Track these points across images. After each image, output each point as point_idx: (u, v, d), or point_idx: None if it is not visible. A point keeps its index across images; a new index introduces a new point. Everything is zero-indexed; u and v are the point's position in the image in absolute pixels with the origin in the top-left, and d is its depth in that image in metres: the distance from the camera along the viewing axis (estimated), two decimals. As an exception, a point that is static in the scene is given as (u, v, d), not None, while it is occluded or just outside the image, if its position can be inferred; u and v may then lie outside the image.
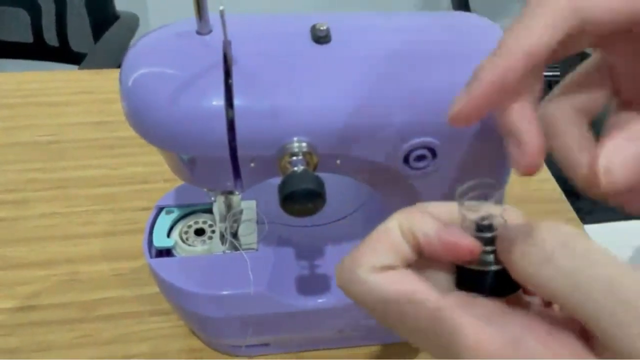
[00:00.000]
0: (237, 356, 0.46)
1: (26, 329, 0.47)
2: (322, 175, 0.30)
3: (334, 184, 0.45)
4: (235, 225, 0.43)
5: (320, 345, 0.47)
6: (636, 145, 0.19)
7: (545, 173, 0.64)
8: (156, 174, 0.60)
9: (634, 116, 0.24)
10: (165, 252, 0.42)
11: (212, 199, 0.41)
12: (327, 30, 0.31)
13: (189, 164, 0.32)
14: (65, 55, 1.21)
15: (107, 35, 1.09)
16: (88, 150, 0.64)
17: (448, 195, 0.35)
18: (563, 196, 0.61)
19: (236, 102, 0.29)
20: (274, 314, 0.40)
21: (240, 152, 0.30)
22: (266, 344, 0.46)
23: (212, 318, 0.40)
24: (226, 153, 0.30)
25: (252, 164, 0.31)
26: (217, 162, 0.31)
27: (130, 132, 0.61)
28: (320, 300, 0.41)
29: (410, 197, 0.36)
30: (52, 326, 0.48)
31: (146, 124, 0.30)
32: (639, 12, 0.21)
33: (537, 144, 0.21)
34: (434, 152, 0.32)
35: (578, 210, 0.60)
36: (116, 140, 0.65)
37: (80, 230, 0.55)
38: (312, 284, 0.42)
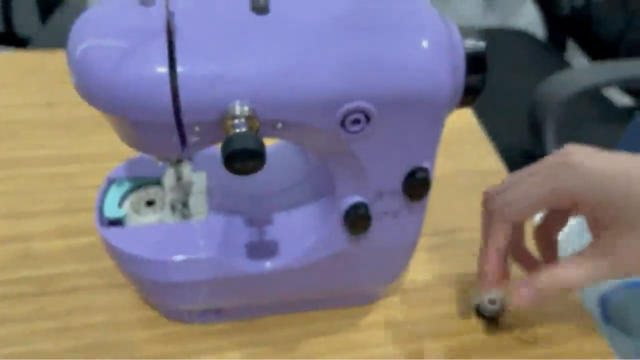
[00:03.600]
0: (191, 323, 0.48)
1: (-21, 305, 0.48)
2: (270, 146, 0.32)
3: (281, 155, 0.47)
4: (185, 196, 0.44)
5: (275, 311, 0.49)
6: (529, 291, 0.42)
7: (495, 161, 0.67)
8: (110, 154, 0.60)
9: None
10: (117, 223, 0.43)
11: (162, 168, 0.43)
12: (266, 1, 0.33)
13: (137, 130, 0.34)
14: (12, 39, 1.19)
15: (54, 17, 1.07)
16: (40, 130, 0.63)
17: (387, 160, 0.38)
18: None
19: (179, 69, 0.31)
20: (225, 278, 0.42)
21: (184, 118, 0.32)
22: (219, 311, 0.48)
23: (165, 284, 0.42)
24: (171, 118, 0.32)
25: (197, 129, 0.33)
26: (163, 127, 0.32)
27: (83, 112, 0.62)
28: (269, 265, 0.43)
29: (352, 164, 0.38)
30: (6, 301, 0.48)
31: (93, 90, 0.31)
32: (540, 208, 0.42)
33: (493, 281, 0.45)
34: (368, 116, 0.34)
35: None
36: (69, 120, 0.65)
37: (33, 209, 0.55)
38: (261, 249, 0.44)
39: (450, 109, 0.36)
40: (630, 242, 0.37)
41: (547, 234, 0.47)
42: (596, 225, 0.39)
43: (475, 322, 0.50)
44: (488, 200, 0.44)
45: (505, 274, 0.45)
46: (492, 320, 0.49)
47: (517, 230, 0.46)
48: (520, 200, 0.41)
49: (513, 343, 0.49)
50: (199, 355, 0.46)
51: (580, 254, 0.40)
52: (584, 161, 0.38)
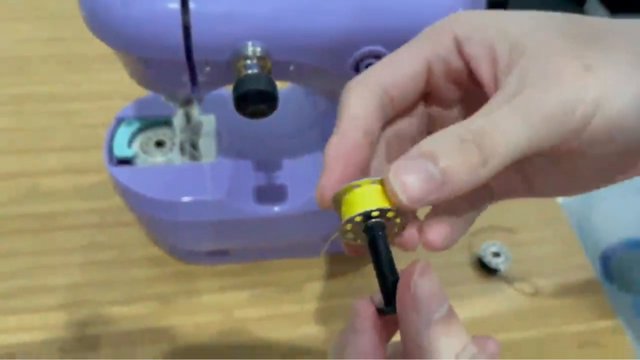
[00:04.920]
0: (198, 263, 0.49)
1: (-11, 237, 0.49)
2: (281, 91, 0.31)
3: (290, 99, 0.47)
4: (195, 137, 0.44)
5: (281, 255, 0.50)
6: (420, 159, 0.20)
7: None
8: (118, 92, 0.60)
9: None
10: (126, 163, 0.43)
11: (171, 108, 0.42)
12: (282, -63, 0.31)
13: (147, 68, 0.33)
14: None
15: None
16: (46, 66, 0.63)
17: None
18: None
19: (191, 5, 0.30)
20: (232, 220, 0.42)
21: (195, 56, 0.31)
22: (225, 252, 0.48)
23: (173, 224, 0.42)
24: (182, 56, 0.31)
25: (208, 68, 0.32)
26: (173, 65, 0.32)
27: (91, 49, 0.61)
28: (276, 209, 0.43)
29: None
30: (13, 235, 0.49)
31: (104, 25, 0.31)
32: (418, 70, 0.24)
33: (333, 179, 0.23)
34: (383, 61, 0.33)
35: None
36: (76, 57, 0.64)
37: (40, 145, 0.55)
38: (269, 193, 0.44)
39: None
40: (546, 68, 0.21)
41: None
42: (499, 74, 0.23)
43: (474, 273, 0.50)
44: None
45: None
46: (494, 271, 0.50)
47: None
48: (391, 60, 0.25)
49: (513, 294, 0.50)
50: (204, 294, 0.47)
51: (492, 104, 0.21)
52: (468, 15, 0.25)
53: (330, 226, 0.45)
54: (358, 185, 0.22)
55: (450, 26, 0.25)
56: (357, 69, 0.33)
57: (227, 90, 0.43)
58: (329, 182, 0.23)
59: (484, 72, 0.23)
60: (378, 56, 0.33)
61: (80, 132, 0.57)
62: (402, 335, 0.21)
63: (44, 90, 0.60)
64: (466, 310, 0.48)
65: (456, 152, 0.20)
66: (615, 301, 0.51)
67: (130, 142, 0.44)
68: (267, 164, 0.45)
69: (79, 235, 0.49)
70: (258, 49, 0.31)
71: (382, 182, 0.21)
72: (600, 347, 0.47)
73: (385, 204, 0.21)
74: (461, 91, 0.26)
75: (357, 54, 0.32)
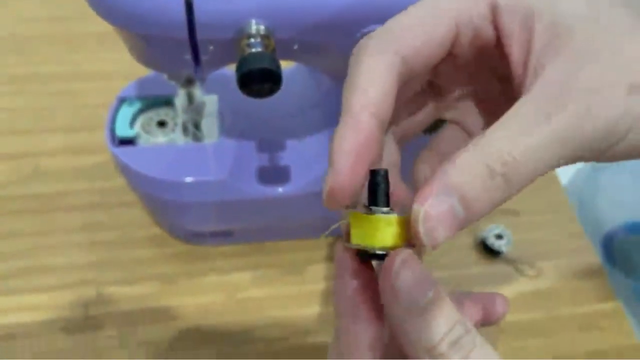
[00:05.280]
0: (200, 244, 0.49)
1: (-8, 217, 0.48)
2: (284, 70, 0.31)
3: (293, 78, 0.46)
4: (197, 117, 0.43)
5: (284, 236, 0.50)
6: (448, 200, 0.18)
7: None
8: (119, 72, 0.59)
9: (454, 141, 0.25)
10: (128, 143, 0.43)
11: (173, 88, 0.42)
12: None
13: (149, 47, 0.33)
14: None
15: None
16: (47, 46, 0.62)
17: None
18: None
19: (194, -18, 0.30)
20: (235, 201, 0.42)
21: (198, 34, 0.31)
22: (228, 233, 0.48)
23: (175, 204, 0.42)
24: (184, 34, 0.31)
25: (211, 47, 0.32)
26: (176, 44, 0.31)
27: (92, 28, 0.60)
28: (279, 190, 0.43)
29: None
30: (15, 215, 0.49)
31: (105, 3, 0.30)
32: (444, 36, 0.21)
33: (343, 178, 0.20)
34: (388, 41, 0.33)
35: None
36: (75, 36, 0.63)
37: (41, 125, 0.55)
38: (272, 174, 0.43)
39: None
40: (592, 74, 0.19)
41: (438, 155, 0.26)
42: (531, 62, 0.20)
43: (477, 255, 0.51)
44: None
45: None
46: (497, 254, 0.50)
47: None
48: (414, 19, 0.21)
49: (515, 276, 0.50)
50: (207, 274, 0.47)
51: (515, 113, 0.19)
52: None
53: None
54: (372, 212, 0.20)
55: None
56: (362, 48, 0.33)
57: (230, 70, 0.43)
58: (339, 183, 0.20)
59: (514, 54, 0.20)
60: (383, 35, 0.32)
61: (82, 112, 0.56)
62: (389, 322, 0.21)
63: (45, 70, 0.59)
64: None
65: (484, 189, 0.19)
66: (616, 284, 0.51)
67: (132, 122, 0.43)
68: (270, 144, 0.45)
69: (80, 215, 0.49)
70: (262, 27, 0.31)
71: (400, 219, 0.20)
72: (601, 330, 0.47)
73: (398, 242, 0.20)
74: (480, 65, 0.23)
75: (363, 32, 0.32)
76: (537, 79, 0.19)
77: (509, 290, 0.49)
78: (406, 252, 0.20)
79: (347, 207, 0.21)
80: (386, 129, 0.21)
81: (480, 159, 0.18)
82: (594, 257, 0.52)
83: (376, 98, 0.20)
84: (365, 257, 0.22)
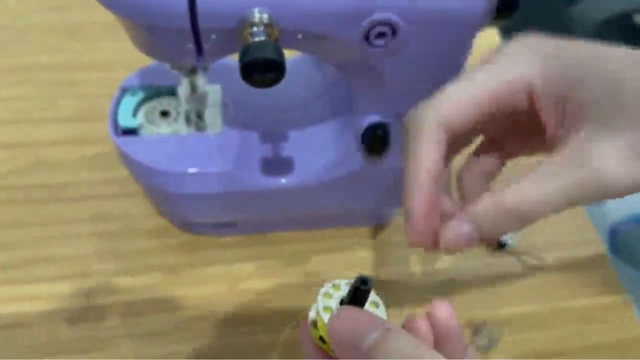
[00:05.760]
0: (204, 235, 0.48)
1: (-7, 207, 0.48)
2: (287, 60, 0.31)
3: (297, 68, 0.46)
4: (200, 107, 0.43)
5: (287, 227, 0.49)
6: (467, 226, 0.26)
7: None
8: (121, 62, 0.59)
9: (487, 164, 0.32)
10: (131, 133, 0.43)
11: (176, 78, 0.42)
12: None
13: (151, 36, 0.32)
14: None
15: None
16: (49, 36, 0.62)
17: (411, 80, 0.36)
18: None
19: (196, -31, 0.29)
20: (238, 192, 0.42)
21: (201, 23, 0.30)
22: (231, 224, 0.48)
23: (179, 195, 0.42)
24: (187, 23, 0.30)
25: (214, 36, 0.31)
26: (178, 33, 0.31)
27: (94, 17, 0.60)
28: (283, 181, 0.43)
29: (373, 81, 0.37)
30: (19, 205, 0.49)
31: (105, -10, 0.30)
32: (484, 111, 0.27)
33: (423, 229, 0.27)
34: (394, 30, 0.32)
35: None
36: (79, 25, 0.63)
37: (44, 115, 0.55)
38: (276, 165, 0.43)
39: (481, 25, 0.34)
40: (605, 146, 0.24)
41: (476, 178, 0.32)
42: (560, 127, 0.27)
43: (482, 246, 0.50)
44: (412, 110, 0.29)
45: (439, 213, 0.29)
46: (502, 245, 0.50)
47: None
48: (455, 96, 0.27)
49: (520, 267, 0.49)
50: (210, 265, 0.47)
51: (540, 167, 0.26)
52: (543, 45, 0.27)
53: (336, 200, 0.45)
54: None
55: (528, 67, 0.27)
56: (367, 37, 0.32)
57: (233, 60, 0.42)
58: (418, 237, 0.28)
59: (549, 122, 0.27)
60: (389, 24, 0.32)
61: (84, 102, 0.56)
62: None
63: (46, 60, 0.59)
64: (474, 284, 0.48)
65: (499, 225, 0.26)
66: (623, 276, 0.51)
67: (134, 112, 0.43)
68: (273, 135, 0.44)
69: (83, 206, 0.49)
70: (265, 16, 0.30)
71: None
72: (607, 323, 0.47)
73: None
74: (508, 126, 0.30)
75: (368, 21, 0.31)
76: (566, 142, 0.26)
77: (514, 282, 0.48)
78: (340, 308, 0.23)
79: None
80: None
81: (500, 204, 0.25)
82: (600, 248, 0.51)
83: (432, 164, 0.27)
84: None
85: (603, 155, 0.24)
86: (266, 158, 0.43)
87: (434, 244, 0.28)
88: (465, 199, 0.31)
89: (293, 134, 0.44)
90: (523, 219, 0.25)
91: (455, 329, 0.25)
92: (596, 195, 0.25)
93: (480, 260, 0.49)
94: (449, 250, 0.27)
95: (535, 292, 0.48)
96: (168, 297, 0.45)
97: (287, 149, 0.44)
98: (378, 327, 0.21)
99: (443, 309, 0.25)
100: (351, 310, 0.23)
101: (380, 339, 0.21)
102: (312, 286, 0.47)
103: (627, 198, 0.26)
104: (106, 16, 0.31)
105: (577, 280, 0.49)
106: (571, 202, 0.25)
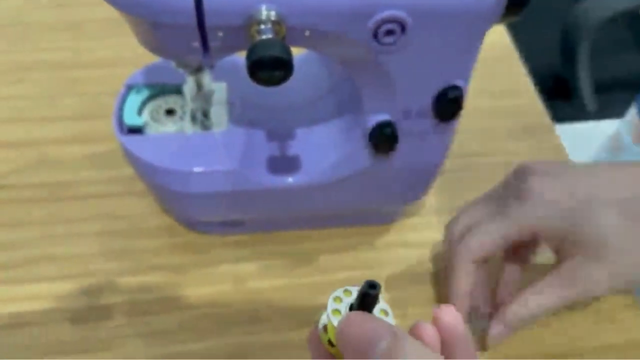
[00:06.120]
0: (210, 234, 0.48)
1: (-1, 206, 0.48)
2: (295, 58, 0.30)
3: (304, 66, 0.45)
4: (206, 105, 0.43)
5: (293, 226, 0.49)
6: (500, 326, 0.41)
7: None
8: (124, 59, 0.59)
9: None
10: (136, 131, 0.42)
11: (181, 76, 0.41)
12: None
13: (157, 33, 0.32)
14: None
15: None
16: (50, 33, 0.61)
17: (419, 78, 0.36)
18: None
19: (203, -34, 0.29)
20: (245, 191, 0.42)
21: (207, 20, 0.30)
22: (238, 223, 0.48)
23: (185, 194, 0.41)
24: (193, 21, 0.30)
25: (220, 34, 0.31)
26: (184, 30, 0.31)
27: (95, 14, 0.59)
28: (290, 180, 0.42)
29: (381, 79, 0.36)
30: (23, 204, 0.48)
31: (110, -13, 0.29)
32: (502, 245, 0.41)
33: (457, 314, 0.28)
34: (403, 27, 0.32)
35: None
36: (81, 22, 0.62)
37: (47, 113, 0.55)
38: (282, 163, 0.43)
39: (491, 22, 0.33)
40: (592, 273, 0.37)
41: (510, 272, 0.45)
42: (559, 254, 0.40)
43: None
44: (449, 240, 0.43)
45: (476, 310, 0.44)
46: None
47: (482, 270, 0.43)
48: (481, 240, 0.40)
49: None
50: (217, 264, 0.47)
51: (544, 281, 0.39)
52: (543, 192, 0.38)
53: (344, 199, 0.45)
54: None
55: (532, 218, 0.39)
56: (375, 35, 0.32)
57: (239, 57, 0.42)
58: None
59: (550, 247, 0.41)
60: (398, 21, 0.31)
61: (88, 100, 0.56)
62: None
63: (50, 58, 0.59)
64: (480, 283, 0.48)
65: (522, 325, 0.41)
66: None
67: (140, 110, 0.43)
68: (280, 134, 0.44)
69: (87, 204, 0.49)
70: (272, 13, 0.30)
71: None
72: (616, 323, 0.47)
73: None
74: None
75: (377, 18, 0.31)
76: (559, 265, 0.40)
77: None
78: (346, 315, 0.23)
79: None
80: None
81: (505, 318, 0.41)
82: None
83: (467, 291, 0.41)
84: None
85: (590, 278, 0.38)
86: (272, 157, 0.43)
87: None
88: (497, 304, 0.44)
89: (300, 133, 0.44)
90: (535, 317, 0.40)
91: (462, 333, 0.25)
92: (584, 301, 0.44)
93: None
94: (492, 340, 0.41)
95: (543, 292, 0.48)
96: (173, 296, 0.45)
97: (294, 148, 0.43)
98: (387, 334, 0.22)
99: (449, 313, 0.25)
100: (359, 315, 0.23)
101: (387, 349, 0.21)
102: (318, 286, 0.46)
103: None
104: (108, 13, 0.31)
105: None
106: (563, 307, 0.40)
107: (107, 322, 0.43)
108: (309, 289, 0.46)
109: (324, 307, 0.45)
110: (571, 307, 0.44)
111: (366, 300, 0.24)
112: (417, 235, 0.50)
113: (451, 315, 0.25)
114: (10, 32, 0.61)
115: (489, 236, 0.40)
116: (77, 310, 0.44)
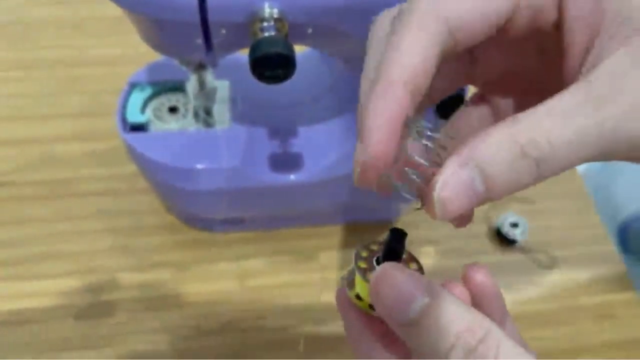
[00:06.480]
0: (212, 231, 0.48)
1: (2, 203, 0.48)
2: (296, 55, 0.30)
3: (307, 64, 0.46)
4: (209, 103, 0.43)
5: (295, 223, 0.49)
6: (468, 171, 0.17)
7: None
8: (126, 57, 0.59)
9: (476, 120, 0.24)
10: (139, 129, 0.42)
11: (184, 73, 0.41)
12: None
13: (160, 30, 0.32)
14: None
15: None
16: (51, 31, 0.61)
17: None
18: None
19: (206, -37, 0.29)
20: (247, 188, 0.42)
21: (210, 17, 0.30)
22: (240, 220, 0.48)
23: (187, 191, 0.41)
24: (197, 17, 0.30)
25: (223, 31, 0.31)
26: (188, 27, 0.31)
27: (97, 12, 0.59)
28: (292, 177, 0.42)
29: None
30: (27, 201, 0.49)
31: (114, -15, 0.29)
32: (502, 12, 0.19)
33: (376, 154, 0.18)
34: (405, 25, 0.32)
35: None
36: (82, 20, 0.62)
37: (50, 111, 0.55)
38: (284, 161, 0.43)
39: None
40: None
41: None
42: (597, 47, 0.18)
43: (492, 243, 0.50)
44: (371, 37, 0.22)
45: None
46: (512, 242, 0.49)
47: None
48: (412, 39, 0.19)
49: (530, 265, 0.49)
50: (219, 261, 0.47)
51: (559, 99, 0.18)
52: None
53: (346, 194, 0.45)
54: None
55: None
56: (378, 32, 0.32)
57: (242, 55, 0.42)
58: (371, 160, 0.19)
59: (577, 38, 0.19)
60: (400, 19, 0.31)
61: (91, 97, 0.56)
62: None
63: (52, 55, 0.59)
64: (482, 281, 0.48)
65: (511, 169, 0.17)
66: (633, 273, 0.50)
67: (143, 108, 0.43)
68: (282, 131, 0.44)
69: (90, 202, 0.49)
70: (275, 11, 0.30)
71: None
72: (616, 319, 0.47)
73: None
74: (530, 43, 0.21)
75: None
76: (595, 68, 0.18)
77: (523, 279, 0.48)
78: (382, 268, 0.20)
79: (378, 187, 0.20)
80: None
81: (514, 137, 0.17)
82: (610, 245, 0.51)
83: (416, 72, 0.18)
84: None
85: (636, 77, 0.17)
86: (274, 154, 0.43)
87: (385, 190, 0.20)
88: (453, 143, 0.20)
89: (301, 130, 0.44)
90: (554, 166, 0.17)
91: (492, 288, 0.23)
92: (624, 143, 0.17)
93: (488, 258, 0.49)
94: (442, 212, 0.18)
95: (544, 289, 0.48)
96: (176, 293, 0.45)
97: (295, 145, 0.43)
98: (423, 291, 0.19)
99: (477, 269, 0.23)
100: (392, 269, 0.20)
101: (426, 306, 0.18)
102: (321, 282, 0.47)
103: (638, 194, 0.22)
104: (111, 11, 0.31)
105: (587, 277, 0.49)
106: (608, 146, 0.17)
107: (109, 318, 0.44)
108: (312, 286, 0.46)
109: (328, 304, 0.45)
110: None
111: (394, 250, 0.22)
112: (418, 232, 0.50)
113: (480, 271, 0.23)
114: (12, 30, 0.61)
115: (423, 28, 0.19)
116: (80, 307, 0.44)
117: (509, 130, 0.17)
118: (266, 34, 0.29)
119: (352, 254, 0.48)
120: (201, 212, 0.45)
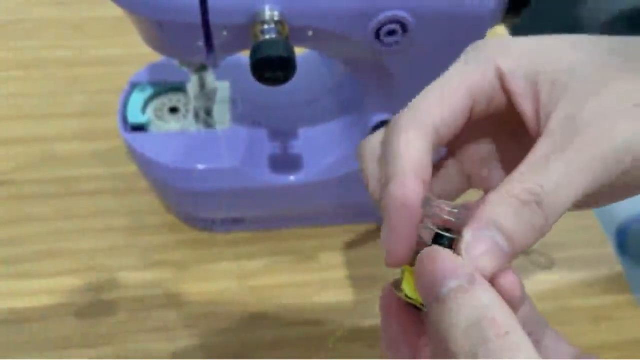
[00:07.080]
0: (212, 231, 0.49)
1: (3, 202, 0.48)
2: (297, 57, 0.30)
3: (306, 65, 0.46)
4: (209, 104, 0.43)
5: (295, 224, 0.49)
6: (488, 232, 0.20)
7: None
8: (127, 57, 0.59)
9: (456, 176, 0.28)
10: (140, 129, 0.43)
11: (185, 74, 0.42)
12: None
13: (162, 32, 0.32)
14: None
15: None
16: (52, 31, 0.62)
17: (420, 78, 0.36)
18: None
19: (208, -34, 0.29)
20: (247, 189, 0.42)
21: (212, 19, 0.30)
22: (240, 220, 0.48)
23: (187, 192, 0.42)
24: (198, 19, 0.30)
25: (225, 33, 0.31)
26: (189, 29, 0.31)
27: (98, 12, 0.59)
28: (292, 178, 0.43)
29: (383, 79, 0.37)
30: (28, 200, 0.49)
31: (116, -14, 0.30)
32: (466, 108, 0.23)
33: (399, 245, 0.23)
34: (405, 28, 0.32)
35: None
36: (83, 20, 0.63)
37: (52, 111, 0.55)
38: (285, 162, 0.43)
39: (492, 23, 0.34)
40: (594, 109, 0.21)
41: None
42: (541, 111, 0.23)
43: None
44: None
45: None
46: None
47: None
48: (434, 99, 0.23)
49: (528, 267, 0.49)
50: (219, 261, 0.47)
51: (532, 154, 0.21)
52: (507, 39, 0.24)
53: (346, 195, 0.45)
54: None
55: (493, 57, 0.24)
56: (377, 35, 0.32)
57: (242, 56, 0.42)
58: (398, 246, 0.23)
59: (526, 109, 0.23)
60: (400, 22, 0.32)
61: (92, 97, 0.56)
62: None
63: (54, 55, 0.59)
64: (480, 282, 0.48)
65: (520, 218, 0.20)
66: (631, 276, 0.51)
67: (144, 109, 0.43)
68: (282, 132, 0.44)
69: (91, 201, 0.49)
70: (276, 13, 0.30)
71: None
72: (614, 321, 0.47)
73: None
74: (495, 127, 0.26)
75: (379, 19, 0.31)
76: (549, 122, 0.22)
77: (522, 282, 0.48)
78: (426, 250, 0.21)
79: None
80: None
81: (507, 193, 0.20)
82: (608, 248, 0.51)
83: (420, 163, 0.22)
84: (413, 308, 0.23)
85: (588, 119, 0.21)
86: (274, 155, 0.43)
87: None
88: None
89: (301, 131, 0.44)
90: (555, 205, 0.20)
91: (520, 297, 0.22)
92: (616, 158, 0.20)
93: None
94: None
95: (543, 292, 0.48)
96: (177, 293, 0.46)
97: (296, 146, 0.44)
98: (462, 274, 0.19)
99: (508, 277, 0.21)
100: (435, 249, 0.20)
101: (462, 288, 0.19)
102: (322, 283, 0.47)
103: (636, 197, 0.23)
104: (112, 11, 0.31)
105: (585, 279, 0.49)
106: (593, 176, 0.20)
107: (109, 317, 0.44)
108: (312, 286, 0.47)
109: (329, 305, 0.45)
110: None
111: (440, 236, 0.21)
112: (417, 233, 0.50)
113: (510, 279, 0.21)
114: (13, 30, 0.61)
115: (445, 92, 0.23)
116: (80, 305, 0.44)
117: (504, 188, 0.20)
118: (267, 37, 0.29)
119: (352, 254, 0.48)
120: (201, 212, 0.45)
